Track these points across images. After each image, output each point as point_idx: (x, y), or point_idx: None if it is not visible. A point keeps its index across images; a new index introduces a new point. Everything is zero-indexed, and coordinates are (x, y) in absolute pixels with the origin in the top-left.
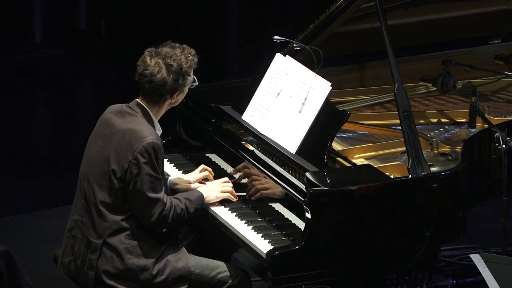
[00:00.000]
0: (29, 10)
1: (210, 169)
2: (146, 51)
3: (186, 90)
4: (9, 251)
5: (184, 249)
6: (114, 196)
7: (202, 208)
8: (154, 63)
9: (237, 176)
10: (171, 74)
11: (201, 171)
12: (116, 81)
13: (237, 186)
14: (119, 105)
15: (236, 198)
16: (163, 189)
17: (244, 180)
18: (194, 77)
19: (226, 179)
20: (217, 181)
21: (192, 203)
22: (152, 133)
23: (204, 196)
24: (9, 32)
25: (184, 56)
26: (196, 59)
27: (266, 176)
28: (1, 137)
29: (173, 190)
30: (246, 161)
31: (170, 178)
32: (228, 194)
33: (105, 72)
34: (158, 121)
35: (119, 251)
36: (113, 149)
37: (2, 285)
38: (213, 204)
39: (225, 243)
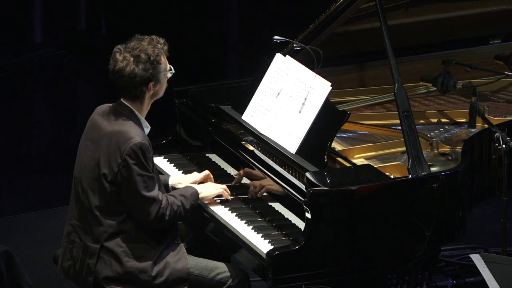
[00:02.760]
0: (29, 10)
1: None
2: (115, 48)
3: (162, 79)
4: (9, 251)
5: (183, 250)
6: (108, 200)
7: (197, 204)
8: (122, 58)
9: (239, 180)
10: (140, 65)
11: (202, 173)
12: None
13: (239, 187)
14: (106, 105)
15: (230, 195)
16: (157, 187)
17: (245, 181)
18: (170, 66)
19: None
20: (210, 183)
21: (187, 199)
22: (138, 133)
23: (199, 191)
24: (9, 32)
25: (151, 45)
26: (166, 47)
27: (266, 176)
28: (1, 137)
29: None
30: (246, 161)
31: (171, 178)
32: (222, 190)
33: (105, 72)
34: (150, 118)
35: (117, 255)
36: (102, 153)
37: (2, 285)
38: (213, 203)
39: (225, 243)
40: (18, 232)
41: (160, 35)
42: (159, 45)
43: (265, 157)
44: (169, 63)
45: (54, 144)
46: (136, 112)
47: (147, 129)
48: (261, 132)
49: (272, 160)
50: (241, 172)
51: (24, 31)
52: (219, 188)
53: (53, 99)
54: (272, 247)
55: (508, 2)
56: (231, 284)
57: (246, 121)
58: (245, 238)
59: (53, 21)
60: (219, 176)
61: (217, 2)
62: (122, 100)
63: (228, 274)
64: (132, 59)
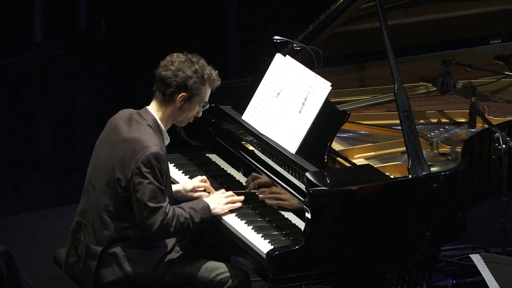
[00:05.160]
0: (29, 10)
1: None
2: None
3: (194, 103)
4: (9, 251)
5: (183, 254)
6: (118, 204)
7: (209, 218)
8: (179, 56)
9: (250, 188)
10: (189, 70)
11: (201, 181)
12: (116, 81)
13: (249, 195)
14: (130, 110)
15: (241, 204)
16: (167, 199)
17: (255, 189)
18: (208, 102)
19: (230, 193)
20: (220, 193)
21: (197, 212)
22: (156, 143)
23: (211, 208)
24: (9, 32)
25: (209, 68)
26: (218, 83)
27: (277, 184)
28: (1, 136)
29: (175, 198)
30: (246, 161)
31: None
32: (232, 205)
33: (105, 72)
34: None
35: (118, 259)
36: (118, 158)
37: (2, 285)
38: None
39: (224, 243)
40: (18, 232)
41: (160, 35)
42: (214, 74)
43: (265, 157)
44: None
45: (54, 144)
46: (159, 122)
47: (167, 141)
48: (261, 132)
49: (272, 160)
50: (251, 179)
51: (24, 31)
52: (229, 203)
53: (53, 99)
54: (272, 247)
55: (508, 2)
56: (231, 284)
57: (246, 121)
58: (245, 238)
59: (53, 21)
60: (219, 176)
61: (217, 2)
62: (147, 107)
63: (228, 274)
64: (186, 62)
